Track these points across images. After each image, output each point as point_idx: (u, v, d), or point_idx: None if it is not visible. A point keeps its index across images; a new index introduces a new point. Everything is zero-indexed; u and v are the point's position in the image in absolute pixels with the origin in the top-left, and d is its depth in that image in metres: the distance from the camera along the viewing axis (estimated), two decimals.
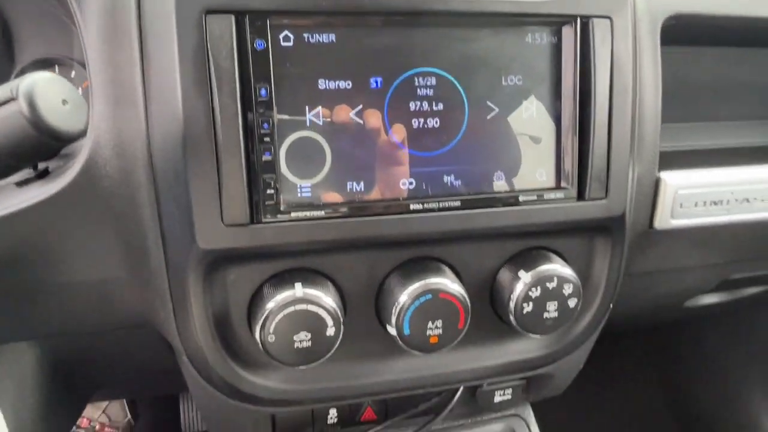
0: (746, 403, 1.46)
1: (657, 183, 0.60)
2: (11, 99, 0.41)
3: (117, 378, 0.81)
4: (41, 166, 0.49)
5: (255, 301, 0.49)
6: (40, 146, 0.43)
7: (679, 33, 0.60)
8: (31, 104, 0.41)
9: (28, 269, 0.48)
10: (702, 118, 0.74)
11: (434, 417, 0.63)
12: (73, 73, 0.64)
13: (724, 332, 1.43)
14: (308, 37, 0.45)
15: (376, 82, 0.47)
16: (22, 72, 0.63)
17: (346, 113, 0.47)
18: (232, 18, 0.43)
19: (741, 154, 0.68)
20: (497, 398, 0.66)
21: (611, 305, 0.60)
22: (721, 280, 0.79)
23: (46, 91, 0.42)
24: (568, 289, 0.52)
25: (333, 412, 0.62)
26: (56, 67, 0.64)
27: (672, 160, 0.61)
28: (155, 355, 0.69)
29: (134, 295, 0.51)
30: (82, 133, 0.45)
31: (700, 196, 0.64)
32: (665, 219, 0.62)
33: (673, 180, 0.61)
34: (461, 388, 0.62)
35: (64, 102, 0.43)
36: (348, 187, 0.48)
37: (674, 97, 0.63)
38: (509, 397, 0.66)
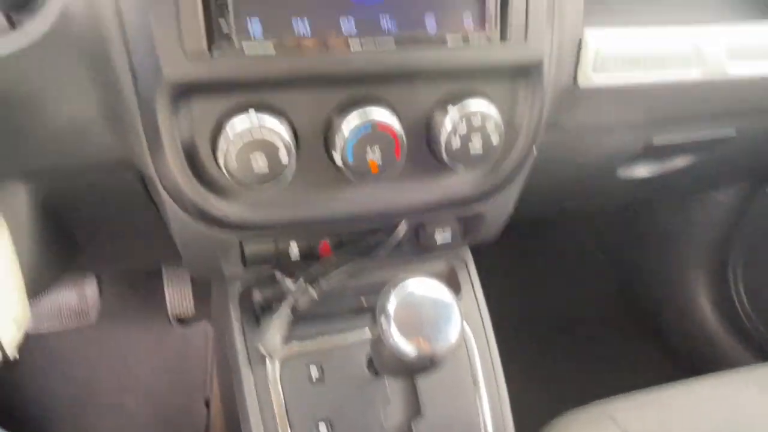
0: (686, 283, 1.61)
1: (580, 41, 0.67)
2: None
3: (102, 237, 0.89)
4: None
5: (217, 130, 0.56)
6: None
7: None
8: None
9: (9, 114, 0.54)
10: None
11: (381, 246, 0.72)
12: None
13: (667, 215, 1.55)
14: None
15: None
16: None
17: None
18: None
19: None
20: (438, 238, 0.76)
21: (535, 150, 0.69)
22: (645, 144, 0.88)
23: None
24: (490, 126, 0.60)
25: (294, 246, 0.72)
26: None
27: (599, 15, 0.68)
28: (135, 213, 0.77)
29: (111, 132, 0.58)
30: None
31: (619, 55, 0.71)
32: (588, 76, 0.70)
33: (595, 37, 0.68)
34: (403, 222, 0.72)
35: None
36: (293, 23, 0.54)
37: None
38: (449, 239, 0.76)
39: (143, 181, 0.66)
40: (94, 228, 0.83)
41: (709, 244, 1.49)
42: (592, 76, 0.70)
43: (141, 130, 0.56)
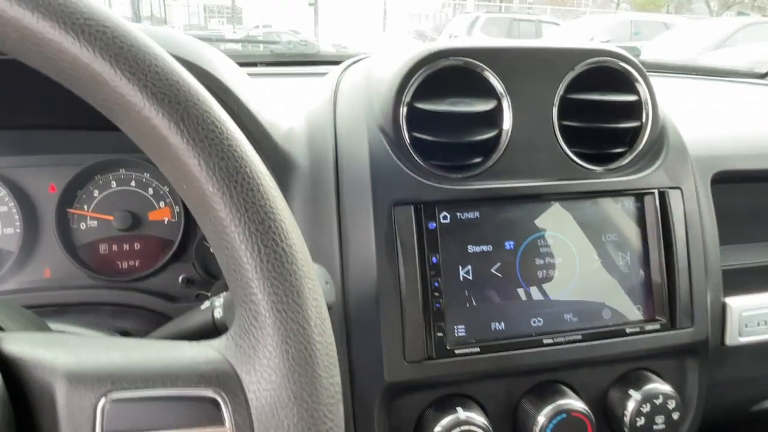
0: None
1: (724, 307, 0.73)
2: None
3: None
4: None
5: (421, 422, 0.60)
6: None
7: (725, 178, 0.75)
8: None
9: None
10: (743, 239, 0.87)
11: None
12: None
13: None
14: (460, 215, 0.61)
15: (509, 245, 0.62)
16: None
17: (488, 270, 0.61)
18: (412, 208, 0.59)
19: None
20: None
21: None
22: None
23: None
24: (671, 404, 0.63)
25: None
26: None
27: (731, 279, 0.74)
28: None
29: None
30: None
31: (762, 317, 0.76)
32: (734, 337, 0.74)
33: (737, 304, 0.74)
34: None
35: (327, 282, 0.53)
36: (492, 326, 0.61)
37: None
38: None
39: None
40: None
41: None
42: (738, 337, 0.75)
43: (352, 423, 0.61)
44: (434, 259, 0.59)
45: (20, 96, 0.67)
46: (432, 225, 0.59)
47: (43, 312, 0.71)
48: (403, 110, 0.61)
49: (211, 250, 0.34)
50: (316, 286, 0.34)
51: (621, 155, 0.67)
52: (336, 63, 1.22)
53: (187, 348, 0.35)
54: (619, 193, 0.65)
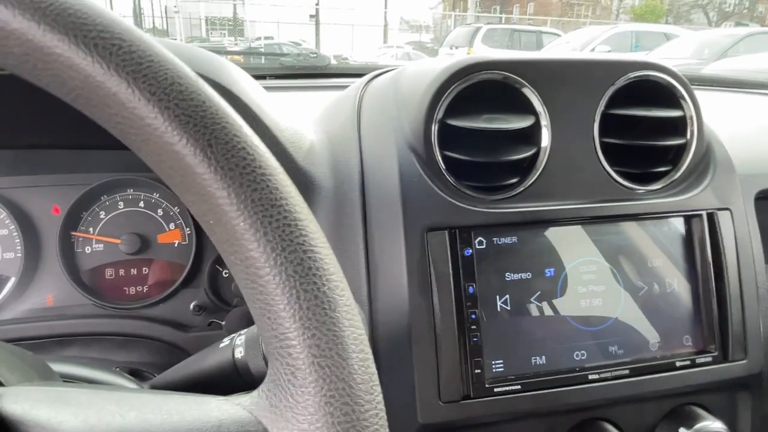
0: None
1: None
2: None
3: None
4: None
5: None
6: None
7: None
8: None
9: None
10: None
11: None
12: None
13: None
14: (496, 241, 0.56)
15: (549, 272, 0.57)
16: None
17: (527, 299, 0.57)
18: (446, 233, 0.54)
19: None
20: None
21: None
22: None
23: None
24: None
25: None
26: None
27: None
28: None
29: None
30: None
31: None
32: None
33: None
34: None
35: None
36: (532, 361, 0.56)
37: None
38: None
39: None
40: None
41: None
42: None
43: None
44: (470, 289, 0.54)
45: (20, 114, 0.62)
46: (468, 251, 0.55)
47: (46, 344, 0.66)
48: (435, 128, 0.56)
49: (240, 290, 0.30)
50: (362, 335, 0.30)
51: (664, 174, 0.63)
52: (347, 75, 1.18)
53: (213, 406, 0.31)
54: (666, 216, 0.60)
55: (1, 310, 0.68)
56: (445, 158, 0.57)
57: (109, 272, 0.72)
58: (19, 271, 0.68)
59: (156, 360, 0.67)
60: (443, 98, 0.56)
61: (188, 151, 0.28)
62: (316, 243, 0.29)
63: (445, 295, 0.53)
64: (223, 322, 0.66)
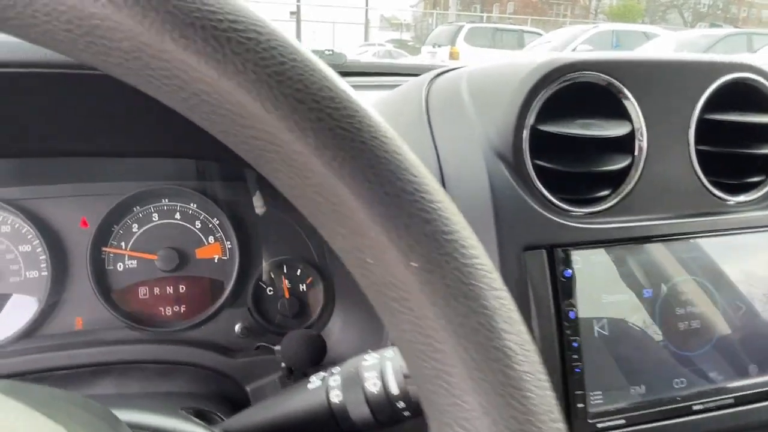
0: None
1: None
2: None
3: None
4: None
5: None
6: None
7: None
8: None
9: None
10: None
11: None
12: None
13: None
14: (593, 259, 0.51)
15: (647, 293, 0.53)
16: None
17: (625, 323, 0.52)
18: (544, 252, 0.49)
19: None
20: None
21: None
22: None
23: None
24: None
25: None
26: None
27: None
28: None
29: None
30: None
31: None
32: None
33: None
34: None
35: None
36: (631, 391, 0.51)
37: None
38: None
39: None
40: None
41: None
42: None
43: None
44: (572, 314, 0.49)
45: (48, 119, 0.55)
46: (568, 272, 0.50)
47: (79, 374, 0.59)
48: (526, 134, 0.51)
49: (395, 341, 0.24)
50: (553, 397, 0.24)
51: (759, 184, 0.58)
52: (367, 74, 1.12)
53: None
54: (764, 229, 0.56)
55: (27, 336, 0.61)
56: (536, 168, 0.52)
57: (142, 291, 0.65)
58: (46, 291, 0.61)
59: (200, 389, 0.60)
60: (535, 101, 0.51)
61: (345, 173, 0.22)
62: (497, 285, 0.24)
63: (546, 321, 0.48)
64: (276, 347, 0.59)
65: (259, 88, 0.21)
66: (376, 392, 0.38)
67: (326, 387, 0.40)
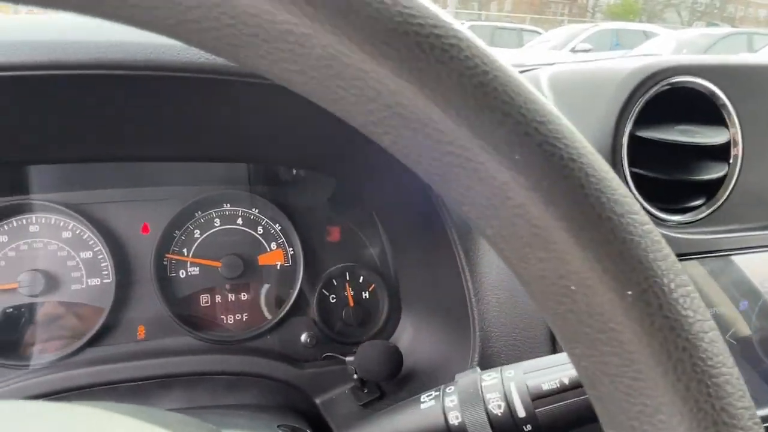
0: None
1: None
2: None
3: None
4: None
5: None
6: None
7: None
8: None
9: None
10: None
11: None
12: None
13: None
14: (688, 271, 0.50)
15: (744, 305, 0.51)
16: None
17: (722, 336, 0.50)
18: None
19: None
20: None
21: None
22: None
23: None
24: None
25: None
26: None
27: None
28: None
29: None
30: None
31: None
32: None
33: None
34: None
35: None
36: None
37: None
38: None
39: None
40: None
41: None
42: None
43: None
44: None
45: (114, 124, 0.53)
46: None
47: (145, 386, 0.57)
48: (625, 140, 0.49)
49: (582, 379, 0.22)
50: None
51: None
52: None
53: None
54: None
55: (89, 347, 0.58)
56: (633, 176, 0.50)
57: (204, 299, 0.63)
58: (111, 299, 0.59)
59: (269, 402, 0.58)
60: (634, 106, 0.49)
61: (555, 194, 0.20)
62: (705, 315, 0.22)
63: None
64: (349, 358, 0.57)
65: (466, 101, 0.19)
66: (500, 414, 0.36)
67: (442, 406, 0.38)
